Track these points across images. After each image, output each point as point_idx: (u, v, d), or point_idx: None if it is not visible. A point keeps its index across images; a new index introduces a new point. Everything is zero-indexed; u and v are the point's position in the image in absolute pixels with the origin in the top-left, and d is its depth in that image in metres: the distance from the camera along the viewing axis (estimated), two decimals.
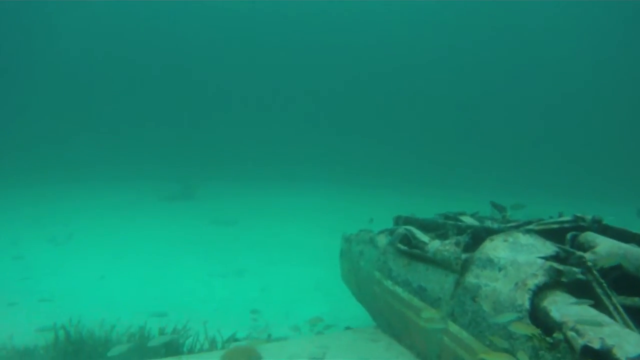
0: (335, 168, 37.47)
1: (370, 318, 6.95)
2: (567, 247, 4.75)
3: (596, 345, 3.39)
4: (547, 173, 38.33)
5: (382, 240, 6.75)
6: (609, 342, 3.37)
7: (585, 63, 56.17)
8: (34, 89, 55.86)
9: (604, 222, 5.27)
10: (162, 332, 7.58)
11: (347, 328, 7.00)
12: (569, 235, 4.99)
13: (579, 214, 5.38)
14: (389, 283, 6.10)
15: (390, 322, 6.09)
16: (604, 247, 4.61)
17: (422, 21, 59.59)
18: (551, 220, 5.41)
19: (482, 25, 57.51)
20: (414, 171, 37.11)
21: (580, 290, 4.20)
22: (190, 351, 7.06)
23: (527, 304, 4.09)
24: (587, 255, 4.47)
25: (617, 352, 3.29)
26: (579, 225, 5.25)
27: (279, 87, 61.93)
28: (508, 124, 54.18)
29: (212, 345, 7.18)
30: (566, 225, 5.28)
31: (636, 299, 4.26)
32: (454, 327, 4.80)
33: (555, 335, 3.71)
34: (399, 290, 5.85)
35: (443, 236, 6.04)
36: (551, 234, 5.15)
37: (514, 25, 56.93)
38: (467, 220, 6.42)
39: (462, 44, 60.15)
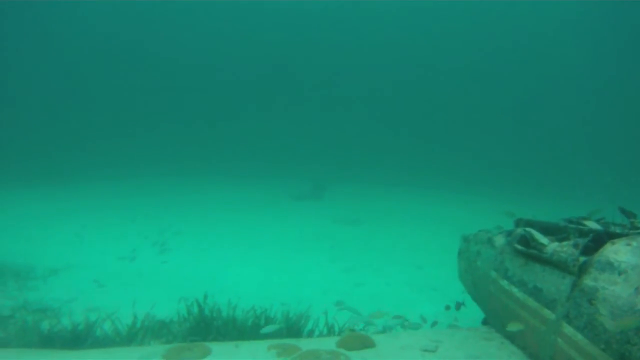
0: (459, 178, 36.59)
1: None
2: None
3: None
4: None
5: (500, 240, 6.58)
6: None
7: None
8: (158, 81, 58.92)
9: None
10: (286, 316, 7.94)
11: (453, 325, 6.89)
12: None
13: None
14: (504, 283, 5.94)
15: (504, 321, 5.93)
16: None
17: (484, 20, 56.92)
18: None
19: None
20: (536, 181, 35.50)
21: None
22: (310, 336, 7.30)
23: None
24: None
25: None
26: None
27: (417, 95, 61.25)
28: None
29: (330, 332, 7.39)
30: None
31: None
32: (568, 330, 4.59)
33: None
34: (514, 290, 5.68)
35: (564, 240, 5.79)
36: None
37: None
38: (591, 225, 6.09)
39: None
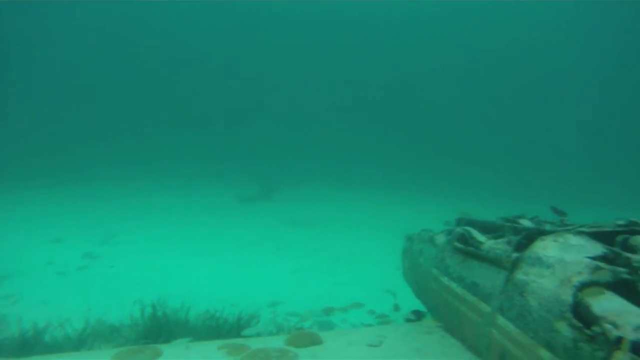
0: (410, 177, 37.13)
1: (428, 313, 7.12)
2: (617, 249, 4.79)
3: (630, 336, 3.48)
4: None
5: (441, 239, 6.93)
6: None
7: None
8: (92, 84, 57.81)
9: None
10: (238, 319, 8.10)
11: (417, 314, 7.15)
12: (620, 238, 5.02)
13: (634, 219, 5.40)
14: (445, 279, 6.28)
15: (445, 316, 6.26)
16: None
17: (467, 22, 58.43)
18: (604, 224, 5.44)
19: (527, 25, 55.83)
20: (485, 181, 36.47)
21: (625, 289, 4.26)
22: (259, 335, 7.47)
23: (570, 300, 4.19)
24: (635, 257, 4.52)
25: None
26: (633, 230, 5.26)
27: (358, 94, 61.62)
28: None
29: (279, 331, 7.59)
30: (619, 229, 5.30)
31: None
32: (502, 321, 4.93)
33: (594, 328, 3.81)
34: (453, 285, 6.02)
35: (500, 237, 6.15)
36: (605, 237, 5.19)
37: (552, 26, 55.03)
38: (525, 223, 6.48)
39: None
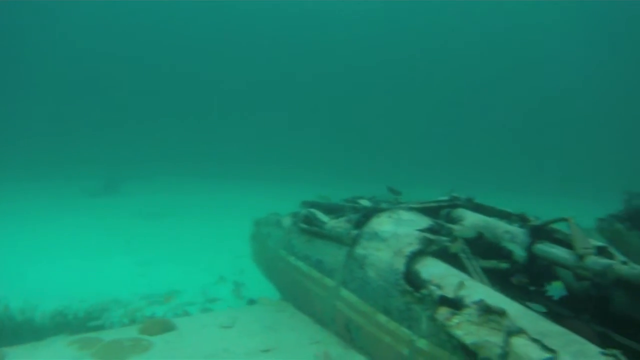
0: (268, 167, 37.02)
1: (278, 294, 7.37)
2: (442, 221, 5.37)
3: (450, 295, 3.96)
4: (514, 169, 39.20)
5: (287, 221, 7.22)
6: (461, 292, 3.94)
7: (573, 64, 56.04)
8: None
9: (475, 200, 5.95)
10: (88, 314, 7.83)
11: (251, 301, 7.36)
12: (444, 212, 5.63)
13: (455, 194, 6.05)
14: (292, 259, 6.57)
15: (294, 294, 6.55)
16: (470, 221, 5.29)
17: (397, 19, 59.49)
18: (431, 200, 6.04)
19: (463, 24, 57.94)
20: (358, 168, 37.28)
21: (447, 256, 4.81)
22: (111, 327, 7.29)
23: (402, 268, 4.64)
24: (455, 227, 5.12)
25: (466, 299, 3.86)
26: (454, 204, 5.89)
27: (212, 81, 60.40)
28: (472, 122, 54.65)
29: (132, 322, 7.45)
30: (444, 203, 5.93)
31: (493, 261, 4.92)
32: (345, 293, 5.30)
33: (422, 290, 4.27)
34: (300, 264, 6.33)
35: (342, 217, 6.55)
36: (433, 212, 5.78)
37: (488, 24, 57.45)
38: (364, 202, 6.95)
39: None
